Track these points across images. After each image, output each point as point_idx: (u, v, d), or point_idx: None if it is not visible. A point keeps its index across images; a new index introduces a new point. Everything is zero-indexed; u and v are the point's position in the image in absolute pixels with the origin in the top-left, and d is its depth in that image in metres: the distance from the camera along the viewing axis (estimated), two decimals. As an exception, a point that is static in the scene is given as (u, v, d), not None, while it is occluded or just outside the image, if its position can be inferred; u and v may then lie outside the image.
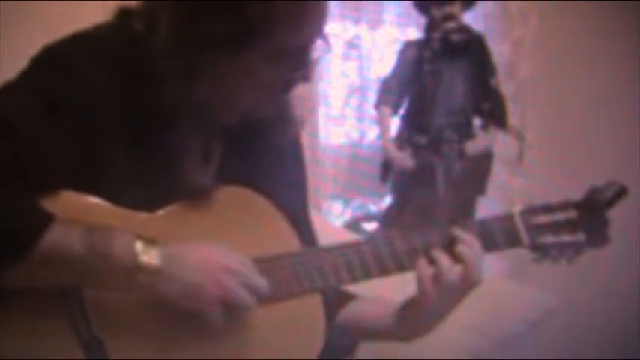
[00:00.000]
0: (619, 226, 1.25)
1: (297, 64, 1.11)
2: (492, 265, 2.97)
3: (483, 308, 1.89)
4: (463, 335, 1.85)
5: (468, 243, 1.16)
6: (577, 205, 1.21)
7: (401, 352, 1.45)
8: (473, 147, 3.02)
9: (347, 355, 1.33)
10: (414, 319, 1.21)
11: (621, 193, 1.19)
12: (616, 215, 1.22)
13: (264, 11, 1.03)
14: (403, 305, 1.23)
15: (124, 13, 1.12)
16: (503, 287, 2.17)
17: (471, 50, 3.00)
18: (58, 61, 1.08)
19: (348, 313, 1.30)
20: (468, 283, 1.16)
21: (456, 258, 1.15)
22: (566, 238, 1.21)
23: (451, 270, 1.14)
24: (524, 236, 1.20)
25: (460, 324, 1.75)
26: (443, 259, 1.15)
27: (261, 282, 1.08)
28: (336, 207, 3.19)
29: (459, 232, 1.17)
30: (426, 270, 1.15)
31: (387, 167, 3.06)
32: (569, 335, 2.77)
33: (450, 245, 1.16)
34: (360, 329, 1.30)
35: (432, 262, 1.15)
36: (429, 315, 1.20)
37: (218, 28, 1.03)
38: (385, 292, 1.28)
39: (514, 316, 2.03)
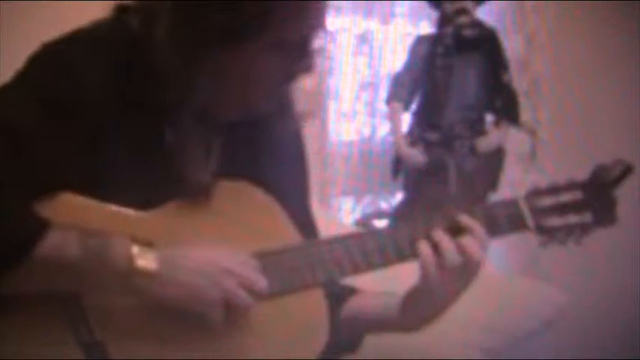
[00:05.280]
0: (633, 219, 1.23)
1: (299, 56, 1.10)
2: (504, 262, 2.94)
3: (495, 305, 1.87)
4: (474, 333, 1.83)
5: (473, 229, 1.14)
6: (583, 185, 1.20)
7: (411, 351, 1.45)
8: (485, 143, 2.99)
9: (351, 352, 1.31)
10: (417, 307, 1.20)
11: (627, 171, 1.17)
12: (629, 207, 1.20)
13: (263, 3, 1.02)
14: (406, 295, 1.21)
15: (121, 11, 1.12)
16: (515, 284, 2.16)
17: (484, 45, 2.98)
18: (56, 59, 1.07)
19: (351, 306, 1.29)
20: (472, 268, 1.14)
21: (461, 244, 1.13)
22: (572, 219, 1.18)
23: (455, 254, 1.13)
24: (530, 220, 1.18)
25: (471, 321, 1.73)
26: (446, 242, 1.13)
27: (260, 282, 1.08)
28: (347, 204, 3.17)
29: (463, 219, 1.16)
30: (430, 254, 1.14)
31: (398, 164, 3.04)
32: (583, 333, 2.75)
33: (454, 231, 1.15)
34: (363, 322, 1.29)
35: (435, 246, 1.14)
36: (433, 302, 1.18)
37: (216, 22, 1.03)
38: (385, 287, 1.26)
39: (526, 313, 2.01)
